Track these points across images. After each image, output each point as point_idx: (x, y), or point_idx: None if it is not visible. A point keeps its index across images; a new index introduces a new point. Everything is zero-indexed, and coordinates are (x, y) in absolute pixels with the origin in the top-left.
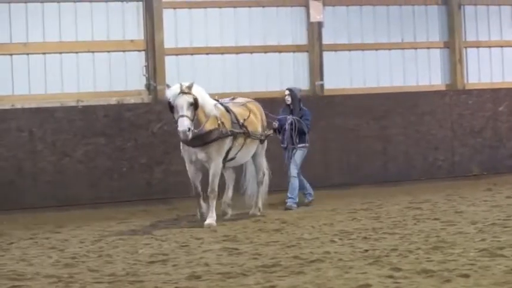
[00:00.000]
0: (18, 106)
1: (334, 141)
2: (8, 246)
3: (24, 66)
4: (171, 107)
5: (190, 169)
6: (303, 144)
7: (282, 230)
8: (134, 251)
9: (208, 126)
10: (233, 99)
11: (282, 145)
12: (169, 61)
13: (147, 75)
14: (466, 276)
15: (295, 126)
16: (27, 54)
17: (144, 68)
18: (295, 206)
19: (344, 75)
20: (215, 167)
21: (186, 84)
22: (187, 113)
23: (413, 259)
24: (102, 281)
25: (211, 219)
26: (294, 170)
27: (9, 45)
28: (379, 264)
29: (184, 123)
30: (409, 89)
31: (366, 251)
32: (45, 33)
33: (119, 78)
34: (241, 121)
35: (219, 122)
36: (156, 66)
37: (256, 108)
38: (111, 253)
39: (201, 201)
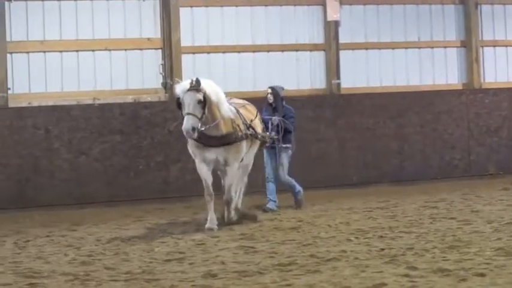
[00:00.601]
0: (35, 104)
1: (350, 140)
2: (25, 244)
3: (41, 64)
4: (178, 104)
5: (202, 168)
6: (288, 145)
7: (298, 228)
8: (150, 249)
9: (226, 128)
10: (230, 99)
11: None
12: (186, 59)
13: (163, 74)
14: (482, 275)
15: (281, 126)
16: (44, 52)
17: (161, 66)
18: (276, 208)
19: (361, 74)
20: (232, 174)
21: (196, 79)
22: (195, 111)
23: (429, 258)
24: (119, 279)
25: (232, 221)
26: (279, 173)
27: (26, 43)
28: (395, 263)
29: (188, 122)
30: (426, 88)
31: (382, 249)
32: (62, 31)
33: (136, 76)
34: (249, 122)
35: (234, 124)
36: (173, 64)
37: (254, 110)
38: (128, 251)
39: (212, 207)
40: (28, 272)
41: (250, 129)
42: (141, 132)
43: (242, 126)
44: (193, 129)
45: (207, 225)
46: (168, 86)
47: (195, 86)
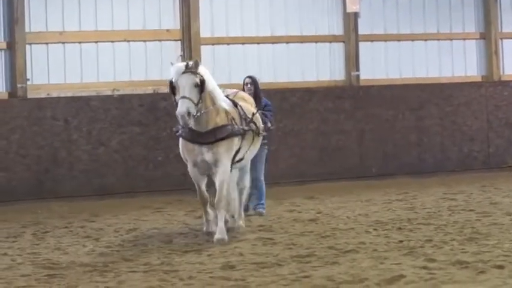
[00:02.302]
0: (54, 95)
1: (369, 131)
2: (43, 235)
3: (60, 55)
4: (172, 88)
5: (193, 172)
6: (266, 141)
7: (317, 220)
8: (169, 240)
9: (219, 120)
10: (223, 90)
11: None
12: (205, 51)
13: None
14: (501, 267)
15: (264, 121)
16: (63, 43)
17: (180, 57)
18: (264, 212)
19: (380, 65)
20: (223, 172)
21: (192, 62)
22: (191, 94)
23: (448, 250)
24: (137, 270)
25: (221, 233)
26: (261, 172)
27: (45, 34)
28: (414, 255)
29: (183, 106)
30: (445, 80)
31: (401, 241)
32: (81, 22)
33: (155, 67)
34: (250, 116)
35: (230, 117)
36: (192, 55)
37: (252, 101)
38: (146, 242)
39: (208, 208)
40: (47, 263)
41: (252, 124)
42: (160, 123)
43: (238, 121)
44: (189, 114)
45: (204, 229)
46: None
47: (192, 68)
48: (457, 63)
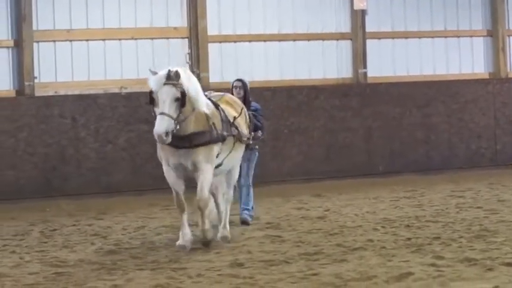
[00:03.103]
0: (62, 93)
1: (377, 129)
2: (51, 233)
3: (67, 53)
4: (151, 99)
5: (169, 174)
6: (257, 146)
7: (324, 217)
8: (177, 238)
9: (197, 126)
10: (210, 93)
11: None
12: (212, 48)
13: (190, 63)
14: (509, 264)
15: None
16: (71, 41)
17: (187, 55)
18: (250, 219)
19: (387, 63)
20: (205, 175)
21: (175, 70)
22: (170, 110)
23: (456, 247)
24: (145, 268)
25: (207, 234)
26: (250, 177)
27: (53, 32)
28: (422, 253)
29: (162, 124)
30: (452, 77)
31: (409, 239)
32: (89, 20)
33: (162, 65)
34: (231, 121)
35: (210, 123)
36: (200, 53)
37: (238, 105)
38: (154, 240)
39: (185, 221)
40: (54, 261)
41: (233, 129)
42: None
43: (219, 125)
44: (167, 133)
45: (178, 242)
46: (194, 75)
47: (173, 80)
48: (464, 60)
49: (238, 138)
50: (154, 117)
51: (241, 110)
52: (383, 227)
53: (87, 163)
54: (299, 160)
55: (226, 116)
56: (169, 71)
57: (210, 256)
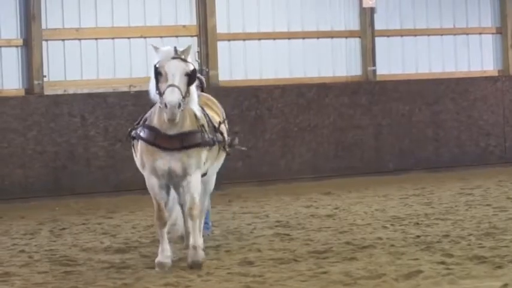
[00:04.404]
0: (71, 91)
1: (386, 126)
2: (60, 232)
3: (76, 51)
4: (157, 74)
5: (153, 182)
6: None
7: (334, 215)
8: (186, 236)
9: (188, 125)
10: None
11: None
12: (222, 46)
13: (199, 61)
14: None
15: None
16: (80, 39)
17: (197, 53)
18: (209, 232)
19: (396, 60)
20: (195, 180)
21: (181, 49)
22: (180, 84)
23: (465, 245)
24: (154, 267)
25: (197, 254)
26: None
27: (62, 30)
28: (431, 251)
29: (175, 94)
30: (461, 74)
31: (418, 237)
32: (98, 19)
33: None
34: (216, 125)
35: (199, 124)
36: (209, 51)
37: (219, 109)
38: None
39: (165, 235)
40: (64, 260)
41: (218, 135)
42: None
43: (207, 129)
44: (179, 105)
45: (157, 259)
46: (203, 73)
47: (183, 54)
48: (473, 57)
49: (223, 146)
50: (159, 93)
51: (221, 114)
52: (392, 224)
53: (96, 162)
54: (308, 158)
55: (211, 120)
56: (175, 47)
57: (220, 255)
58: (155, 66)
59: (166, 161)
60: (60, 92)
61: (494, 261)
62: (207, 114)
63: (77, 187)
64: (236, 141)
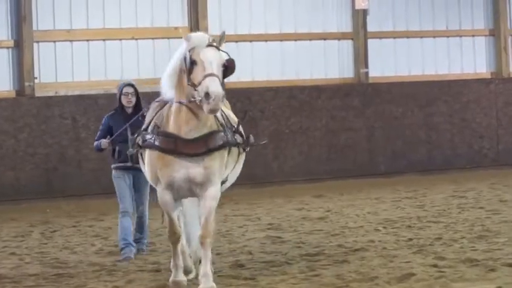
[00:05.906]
0: (62, 93)
1: (379, 129)
2: (51, 234)
3: (67, 53)
4: (191, 63)
5: (167, 199)
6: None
7: (326, 218)
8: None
9: (211, 125)
10: None
11: (118, 164)
12: None
13: None
14: (511, 265)
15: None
16: (71, 41)
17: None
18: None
19: (389, 63)
20: (214, 197)
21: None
22: (219, 73)
23: (457, 248)
24: (146, 269)
25: (208, 282)
26: (144, 205)
27: (53, 32)
28: (424, 253)
29: (217, 83)
30: (454, 77)
31: (410, 239)
32: (89, 20)
33: (163, 65)
34: (235, 126)
35: (220, 123)
36: None
37: (228, 105)
38: (155, 241)
39: (179, 251)
40: (55, 262)
41: (237, 136)
42: None
43: (227, 130)
44: (223, 96)
45: (172, 278)
46: None
47: (218, 43)
48: (466, 60)
49: (243, 148)
50: (193, 85)
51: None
52: (384, 227)
53: (87, 164)
54: (300, 160)
55: (228, 120)
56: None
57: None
58: (187, 53)
59: (185, 170)
60: (51, 93)
61: (487, 264)
62: (224, 112)
63: (68, 189)
64: (252, 139)
